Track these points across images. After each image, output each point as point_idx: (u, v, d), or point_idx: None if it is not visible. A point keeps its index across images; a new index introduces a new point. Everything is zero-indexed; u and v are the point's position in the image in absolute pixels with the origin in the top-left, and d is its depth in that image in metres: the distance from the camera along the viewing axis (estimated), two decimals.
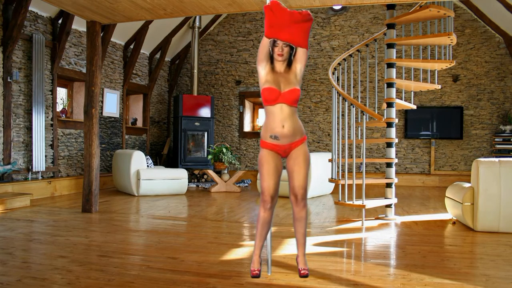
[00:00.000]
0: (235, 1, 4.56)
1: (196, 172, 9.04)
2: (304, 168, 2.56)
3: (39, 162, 6.49)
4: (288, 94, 2.52)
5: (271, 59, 2.57)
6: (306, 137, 2.64)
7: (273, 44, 2.52)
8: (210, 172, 7.71)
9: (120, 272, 2.86)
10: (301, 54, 2.55)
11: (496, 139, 8.37)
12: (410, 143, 9.22)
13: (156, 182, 6.91)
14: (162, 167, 7.57)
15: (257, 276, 2.60)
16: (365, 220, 4.78)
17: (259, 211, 2.57)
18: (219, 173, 8.33)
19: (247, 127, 10.35)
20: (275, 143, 2.54)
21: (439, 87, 5.48)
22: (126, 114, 9.32)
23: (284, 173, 5.20)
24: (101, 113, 8.05)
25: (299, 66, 2.57)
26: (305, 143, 2.60)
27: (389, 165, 5.04)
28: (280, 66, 2.57)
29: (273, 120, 2.52)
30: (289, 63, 2.57)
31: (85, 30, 6.84)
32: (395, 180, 4.98)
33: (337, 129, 4.95)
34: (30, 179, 6.45)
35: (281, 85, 2.54)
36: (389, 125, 5.04)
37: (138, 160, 6.88)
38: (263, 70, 2.56)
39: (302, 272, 2.64)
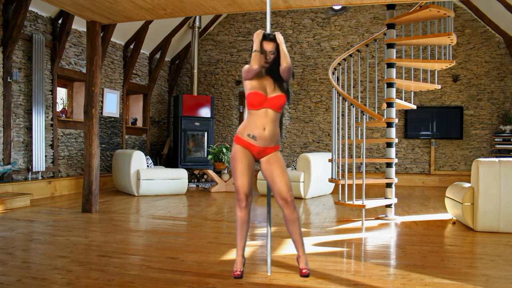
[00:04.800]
0: (235, 1, 4.56)
1: (196, 172, 9.04)
2: (285, 171, 2.60)
3: (39, 162, 6.49)
4: (275, 100, 2.56)
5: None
6: (279, 147, 2.70)
7: (261, 52, 2.55)
8: (210, 172, 7.71)
9: (120, 272, 2.86)
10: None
11: (496, 139, 8.37)
12: (410, 143, 9.22)
13: (156, 182, 6.91)
14: (162, 167, 7.57)
15: (239, 276, 2.60)
16: (365, 220, 4.78)
17: (235, 212, 2.59)
18: (219, 173, 8.33)
19: None
20: (251, 142, 2.56)
21: (439, 87, 5.48)
22: (126, 114, 9.32)
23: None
24: (101, 113, 8.05)
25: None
26: (279, 151, 2.66)
27: (389, 165, 5.04)
28: (263, 71, 2.61)
29: (255, 121, 2.56)
30: (271, 68, 2.59)
31: (85, 30, 6.85)
32: (395, 180, 4.98)
33: (337, 129, 4.95)
34: (30, 179, 6.45)
35: (267, 90, 2.57)
36: (389, 125, 5.04)
37: (138, 160, 6.88)
38: (248, 81, 2.62)
39: (303, 271, 2.65)
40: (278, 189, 2.57)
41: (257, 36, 2.57)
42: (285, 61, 2.55)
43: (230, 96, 10.23)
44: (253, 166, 2.61)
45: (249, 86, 2.60)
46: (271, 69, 2.60)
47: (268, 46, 2.55)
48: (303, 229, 4.33)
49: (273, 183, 2.59)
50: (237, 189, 2.56)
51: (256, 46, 2.55)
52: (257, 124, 2.55)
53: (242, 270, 2.62)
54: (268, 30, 2.76)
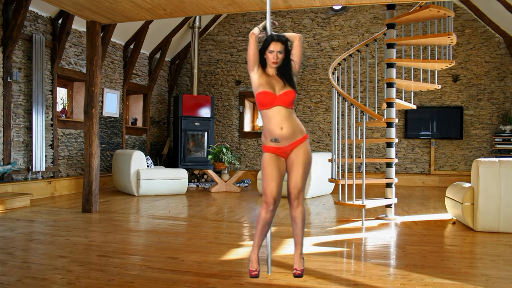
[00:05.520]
0: (235, 1, 4.56)
1: (196, 172, 9.04)
2: (301, 168, 2.56)
3: (39, 162, 6.49)
4: (284, 97, 2.54)
5: (262, 62, 2.60)
6: (307, 136, 2.64)
7: (268, 51, 2.55)
8: (210, 172, 7.71)
9: (120, 272, 2.86)
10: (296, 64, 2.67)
11: (496, 139, 8.37)
12: (410, 143, 9.22)
13: (156, 182, 6.91)
14: (162, 167, 7.57)
15: (256, 276, 2.61)
16: (365, 220, 4.78)
17: (260, 212, 2.57)
18: (219, 173, 8.33)
19: (247, 127, 10.35)
20: (276, 146, 2.55)
21: (439, 87, 5.48)
22: (126, 114, 9.32)
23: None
24: (101, 113, 8.05)
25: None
26: (306, 141, 2.60)
27: (389, 165, 5.04)
28: (272, 70, 2.60)
29: (271, 123, 2.54)
30: (281, 68, 2.59)
31: (85, 30, 6.85)
32: (395, 180, 4.98)
33: (337, 129, 4.95)
34: (30, 179, 6.45)
35: (275, 88, 2.56)
36: (389, 125, 5.04)
37: (138, 160, 6.88)
38: (255, 74, 2.60)
39: (294, 272, 2.65)
40: (288, 184, 2.59)
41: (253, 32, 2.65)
42: (296, 36, 2.66)
43: (230, 96, 10.23)
44: (283, 170, 2.59)
45: (256, 83, 2.59)
46: (281, 68, 2.59)
47: (276, 47, 2.55)
48: None
49: (288, 178, 2.60)
50: (266, 192, 2.54)
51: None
52: (273, 125, 2.54)
53: (258, 269, 2.62)
54: (268, 30, 2.76)
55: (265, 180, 2.56)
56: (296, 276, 2.65)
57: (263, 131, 2.62)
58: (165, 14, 5.04)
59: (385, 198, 5.03)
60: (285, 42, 2.58)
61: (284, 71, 2.59)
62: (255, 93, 2.59)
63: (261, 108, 2.58)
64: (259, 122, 10.60)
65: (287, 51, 2.59)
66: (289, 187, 2.58)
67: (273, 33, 2.65)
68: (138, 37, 8.62)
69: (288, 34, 2.69)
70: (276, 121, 2.53)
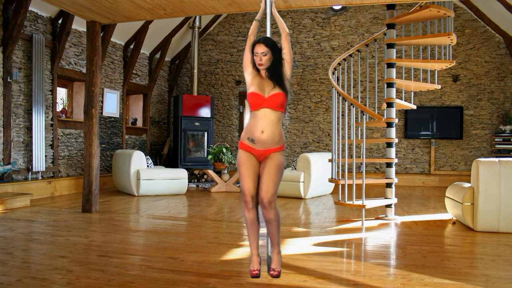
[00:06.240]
0: (235, 1, 4.56)
1: (196, 172, 9.04)
2: (273, 176, 2.55)
3: (39, 162, 6.49)
4: (273, 99, 2.54)
5: (255, 65, 2.62)
6: (284, 148, 2.65)
7: (254, 54, 2.58)
8: (210, 172, 7.72)
9: (120, 272, 2.86)
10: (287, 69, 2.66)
11: (496, 139, 8.37)
12: (410, 143, 9.22)
13: (156, 182, 6.91)
14: (162, 167, 7.57)
15: (257, 276, 2.61)
16: (365, 220, 4.78)
17: (244, 214, 2.62)
18: (219, 173, 8.33)
19: None
20: (251, 145, 2.57)
21: (439, 87, 5.48)
22: (126, 114, 9.32)
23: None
24: (101, 113, 8.05)
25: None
26: (282, 152, 2.61)
27: (389, 165, 5.04)
28: (263, 72, 2.62)
29: (255, 124, 2.56)
30: (270, 69, 2.58)
31: (85, 30, 6.85)
32: (395, 180, 4.98)
33: (337, 129, 4.95)
34: (30, 179, 6.45)
35: (265, 90, 2.57)
36: (389, 125, 5.04)
37: (138, 160, 6.88)
38: (249, 75, 2.65)
39: (271, 272, 2.63)
40: (260, 188, 2.58)
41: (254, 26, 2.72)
42: (284, 30, 2.68)
43: (230, 96, 10.23)
44: (257, 169, 2.60)
45: (249, 83, 2.62)
46: (270, 69, 2.60)
47: (260, 48, 2.56)
48: (303, 229, 4.34)
49: (260, 183, 2.59)
50: (244, 192, 2.57)
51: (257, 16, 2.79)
52: (256, 127, 2.55)
53: (259, 269, 2.62)
54: (268, 30, 2.77)
55: (241, 179, 2.60)
56: (274, 276, 2.63)
57: (246, 127, 2.63)
58: (165, 14, 5.04)
59: (385, 198, 5.03)
60: (269, 44, 2.57)
61: (274, 72, 2.58)
62: (247, 93, 2.61)
63: (251, 109, 2.61)
64: None
65: (274, 52, 2.58)
66: (261, 192, 2.55)
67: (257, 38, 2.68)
68: (138, 37, 8.62)
69: (280, 22, 2.70)
70: (260, 124, 2.54)
